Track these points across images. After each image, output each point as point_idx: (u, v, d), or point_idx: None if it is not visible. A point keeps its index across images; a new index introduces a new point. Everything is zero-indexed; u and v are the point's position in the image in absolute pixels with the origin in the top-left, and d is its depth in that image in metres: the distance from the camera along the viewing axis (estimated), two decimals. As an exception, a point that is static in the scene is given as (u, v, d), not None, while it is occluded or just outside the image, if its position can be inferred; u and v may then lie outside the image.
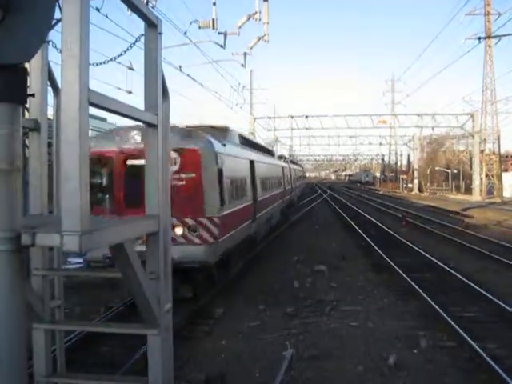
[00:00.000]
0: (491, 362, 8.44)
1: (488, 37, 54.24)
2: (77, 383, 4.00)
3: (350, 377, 8.45)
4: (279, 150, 49.80)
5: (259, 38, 21.41)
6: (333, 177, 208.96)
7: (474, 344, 9.32)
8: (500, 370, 8.08)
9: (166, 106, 3.38)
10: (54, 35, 4.39)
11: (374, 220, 32.51)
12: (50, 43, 3.71)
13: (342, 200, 57.08)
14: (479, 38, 48.49)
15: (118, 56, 5.24)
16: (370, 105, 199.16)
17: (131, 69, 15.02)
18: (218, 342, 10.01)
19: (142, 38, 3.33)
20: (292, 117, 66.65)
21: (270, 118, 67.24)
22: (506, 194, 59.98)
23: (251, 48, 22.55)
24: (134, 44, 5.14)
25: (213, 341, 10.10)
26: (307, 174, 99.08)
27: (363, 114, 66.39)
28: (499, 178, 62.56)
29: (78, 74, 2.31)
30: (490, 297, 12.62)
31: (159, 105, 3.21)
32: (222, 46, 21.36)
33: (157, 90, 3.18)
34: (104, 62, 5.86)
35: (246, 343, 10.01)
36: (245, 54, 25.95)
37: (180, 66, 23.52)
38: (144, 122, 3.12)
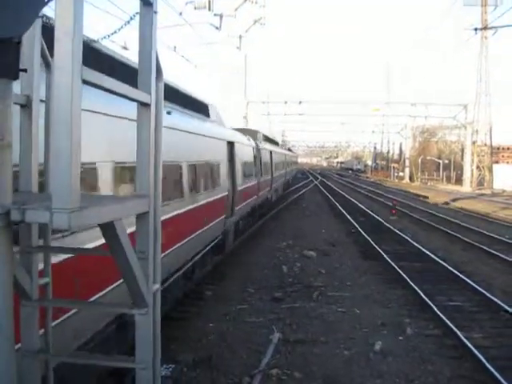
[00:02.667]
0: (475, 351, 8.55)
1: (484, 28, 54.21)
2: (65, 361, 4.01)
3: (336, 361, 8.54)
4: (271, 135, 50.24)
5: (255, 21, 21.27)
6: (324, 163, 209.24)
7: (458, 333, 9.44)
8: (483, 359, 8.20)
9: (160, 85, 3.36)
10: (47, 10, 4.33)
11: (364, 207, 32.65)
12: (44, 18, 3.66)
13: (333, 187, 57.21)
14: (476, 29, 48.50)
15: (112, 34, 5.19)
16: (366, 92, 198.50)
17: (125, 48, 14.86)
18: (206, 324, 10.06)
19: (137, 17, 3.29)
20: (286, 102, 66.44)
21: (263, 102, 67.03)
22: (496, 185, 60.24)
23: (247, 31, 22.41)
24: (128, 22, 5.09)
25: (201, 322, 10.15)
26: (299, 160, 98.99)
27: (357, 101, 66.37)
28: (490, 169, 62.84)
29: (70, 51, 2.29)
30: (477, 287, 12.75)
31: (153, 84, 3.19)
32: (217, 28, 21.23)
33: (151, 69, 3.15)
34: (97, 40, 5.81)
35: (234, 326, 10.07)
36: (240, 36, 25.80)
37: (175, 47, 23.32)
38: (137, 101, 3.10)
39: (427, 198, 45.22)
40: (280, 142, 55.81)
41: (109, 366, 5.25)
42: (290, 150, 68.04)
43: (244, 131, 22.79)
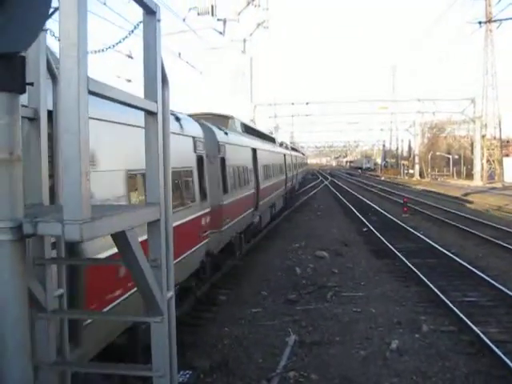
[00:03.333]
0: (492, 346, 8.48)
1: (489, 21, 53.92)
2: (82, 371, 4.02)
3: (353, 362, 8.50)
4: (280, 137, 48.67)
5: (259, 24, 21.30)
6: (334, 163, 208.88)
7: (475, 328, 9.38)
8: (501, 354, 8.13)
9: (166, 93, 3.37)
10: (51, 24, 4.37)
11: (375, 206, 32.55)
12: (48, 31, 3.69)
13: (343, 186, 57.09)
14: (480, 23, 48.26)
15: (117, 43, 5.21)
16: (373, 91, 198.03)
17: (130, 57, 14.93)
18: (221, 329, 10.05)
19: (141, 26, 3.30)
20: (293, 103, 66.45)
21: (270, 104, 67.07)
22: (507, 179, 59.84)
23: (251, 34, 22.45)
24: (132, 31, 5.11)
25: (216, 327, 10.15)
26: (308, 161, 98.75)
27: (364, 99, 66.25)
28: (500, 163, 62.43)
29: (76, 62, 2.30)
30: (492, 282, 12.66)
31: (159, 92, 3.19)
32: (221, 33, 21.28)
33: (156, 77, 3.16)
34: (103, 50, 5.83)
35: (249, 329, 10.06)
36: (244, 40, 25.84)
37: (179, 53, 23.39)
38: (144, 110, 3.11)
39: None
40: (288, 143, 50.55)
41: (126, 374, 5.26)
42: (294, 149, 54.26)
43: (208, 118, 14.29)
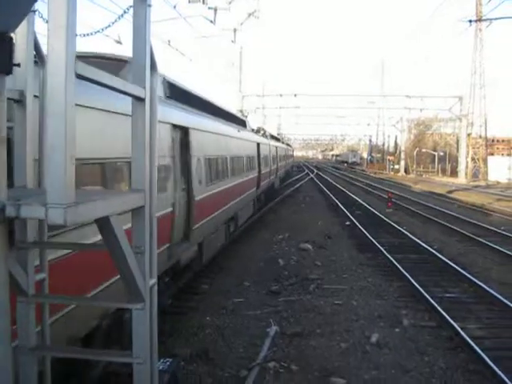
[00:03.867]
0: (471, 342, 8.59)
1: (479, 20, 54.17)
2: (62, 356, 4.01)
3: (333, 354, 8.56)
4: (269, 129, 45.45)
5: (250, 14, 21.21)
6: (320, 156, 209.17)
7: (454, 324, 9.49)
8: (479, 350, 8.24)
9: (154, 79, 3.35)
10: (40, 5, 4.31)
11: (359, 200, 32.70)
12: (37, 13, 3.64)
13: (329, 180, 57.26)
14: (470, 21, 48.47)
15: (106, 28, 5.16)
16: (362, 86, 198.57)
17: (119, 42, 14.76)
18: (202, 318, 10.06)
19: (131, 11, 3.27)
20: (281, 95, 66.31)
21: (259, 95, 66.90)
22: (491, 177, 60.42)
23: (242, 24, 22.35)
24: (122, 16, 5.06)
25: (198, 316, 10.15)
26: (294, 153, 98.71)
27: (352, 94, 66.40)
28: (485, 161, 62.96)
29: (64, 45, 2.27)
30: (473, 279, 12.79)
31: (147, 78, 3.17)
32: (212, 22, 21.15)
33: (145, 63, 3.14)
34: (91, 34, 5.77)
35: (231, 319, 10.08)
36: (235, 30, 25.72)
37: (169, 41, 23.25)
38: (131, 96, 3.09)
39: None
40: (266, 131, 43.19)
41: (106, 360, 5.25)
42: (275, 138, 42.98)
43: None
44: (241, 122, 21.57)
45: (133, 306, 3.27)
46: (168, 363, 5.80)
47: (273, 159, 31.84)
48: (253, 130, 27.44)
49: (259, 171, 23.89)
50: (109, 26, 5.27)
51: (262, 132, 31.65)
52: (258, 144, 24.46)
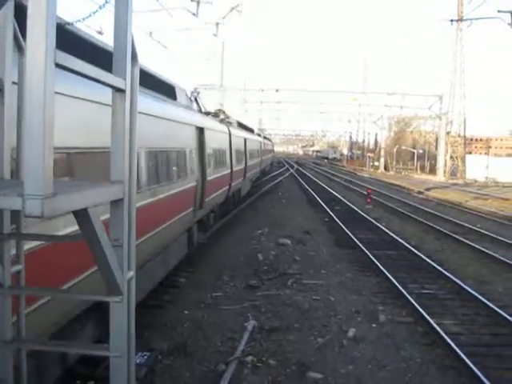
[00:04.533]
0: (446, 338, 8.70)
1: (460, 19, 54.71)
2: (38, 349, 3.97)
3: (310, 348, 8.60)
4: (249, 124, 43.18)
5: (232, 8, 21.14)
6: (301, 152, 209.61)
7: (430, 320, 9.60)
8: (454, 345, 8.35)
9: (135, 71, 3.31)
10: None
11: (339, 196, 32.87)
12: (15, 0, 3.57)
13: (309, 175, 57.44)
14: (451, 21, 48.86)
15: (87, 17, 5.08)
16: (343, 82, 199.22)
17: (100, 33, 14.59)
18: (181, 312, 10.04)
19: (113, 1, 3.23)
20: (262, 90, 66.34)
21: (240, 90, 66.86)
22: (469, 175, 61.21)
23: (224, 18, 22.26)
24: (103, 6, 5.00)
25: (176, 310, 10.13)
26: (275, 148, 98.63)
27: (333, 90, 66.67)
28: (463, 159, 63.73)
29: (44, 33, 2.24)
30: (449, 275, 12.95)
31: (128, 70, 3.14)
32: (194, 14, 21.04)
33: (126, 54, 3.10)
34: (71, 23, 5.69)
35: (209, 313, 10.08)
36: (217, 23, 25.62)
37: (151, 32, 23.09)
38: (112, 87, 3.06)
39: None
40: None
41: (83, 353, 5.22)
42: (244, 127, 32.82)
43: None
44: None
45: (111, 299, 3.24)
46: (145, 357, 5.79)
47: (238, 155, 24.30)
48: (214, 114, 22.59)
49: (203, 177, 19.81)
50: (90, 15, 5.20)
51: (222, 117, 23.70)
52: (202, 130, 17.66)
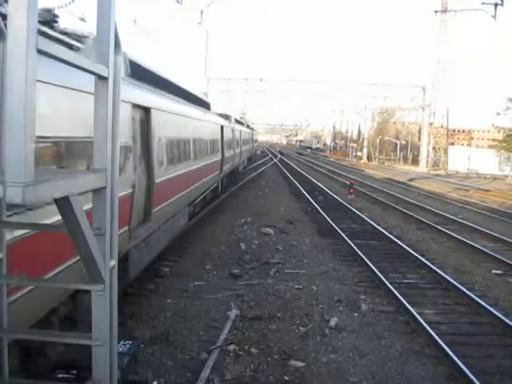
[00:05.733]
0: (427, 327, 8.80)
1: (444, 10, 54.93)
2: (21, 338, 3.94)
3: (292, 337, 8.65)
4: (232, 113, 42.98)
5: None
6: (284, 142, 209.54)
7: (411, 309, 9.70)
8: (434, 334, 8.46)
9: (118, 58, 3.28)
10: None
11: (322, 186, 32.98)
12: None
13: (292, 165, 57.49)
14: (436, 11, 48.98)
15: (69, 3, 5.01)
16: (328, 72, 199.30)
17: (83, 20, 14.39)
18: (163, 300, 10.04)
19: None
20: (246, 79, 66.16)
21: (224, 79, 66.57)
22: (451, 166, 61.78)
23: (208, 6, 22.10)
24: (86, -8, 4.94)
25: (158, 299, 10.12)
26: (258, 138, 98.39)
27: (317, 81, 66.72)
28: (445, 151, 64.30)
29: (25, 18, 2.21)
30: (430, 265, 13.09)
31: (111, 57, 3.11)
32: (178, 2, 20.86)
33: (109, 41, 3.07)
34: (53, 10, 5.62)
35: (191, 302, 10.09)
36: (202, 11, 25.44)
37: (135, 20, 22.87)
38: (94, 74, 3.03)
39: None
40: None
41: (64, 342, 5.19)
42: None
43: None
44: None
45: (93, 288, 3.23)
46: (128, 346, 5.75)
47: (198, 147, 18.72)
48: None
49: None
50: (72, 1, 5.14)
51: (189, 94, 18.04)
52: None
